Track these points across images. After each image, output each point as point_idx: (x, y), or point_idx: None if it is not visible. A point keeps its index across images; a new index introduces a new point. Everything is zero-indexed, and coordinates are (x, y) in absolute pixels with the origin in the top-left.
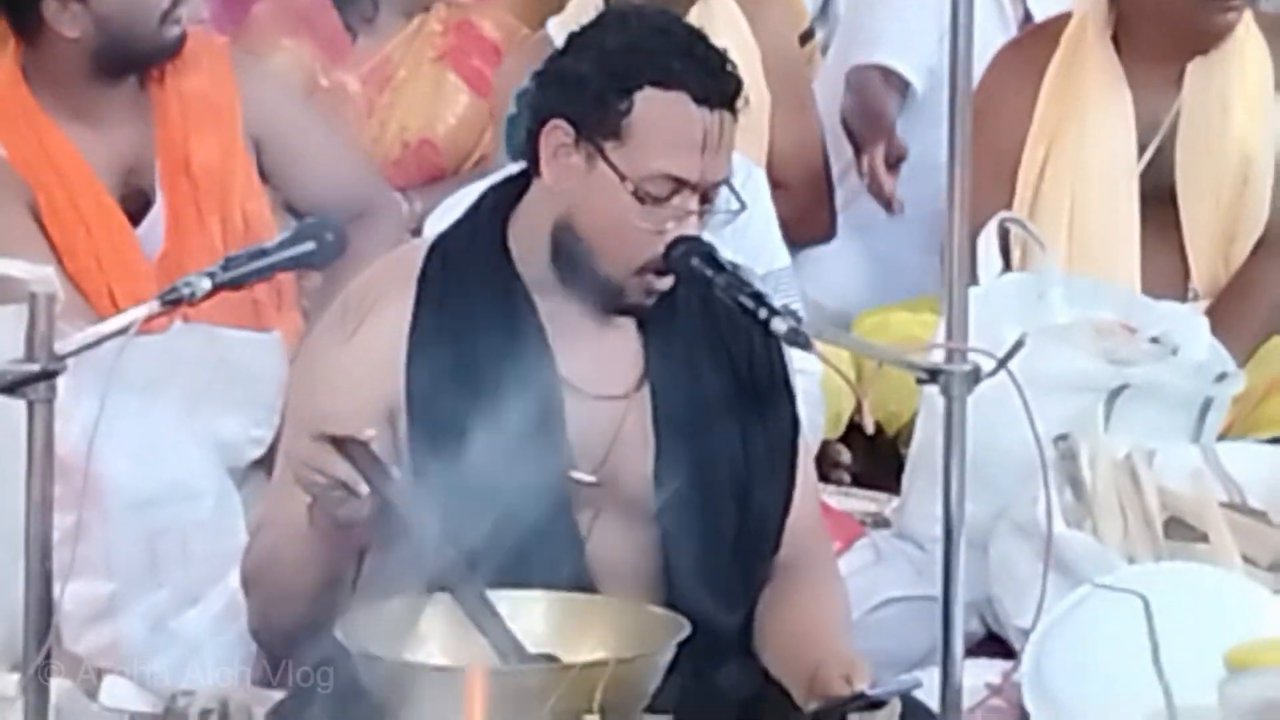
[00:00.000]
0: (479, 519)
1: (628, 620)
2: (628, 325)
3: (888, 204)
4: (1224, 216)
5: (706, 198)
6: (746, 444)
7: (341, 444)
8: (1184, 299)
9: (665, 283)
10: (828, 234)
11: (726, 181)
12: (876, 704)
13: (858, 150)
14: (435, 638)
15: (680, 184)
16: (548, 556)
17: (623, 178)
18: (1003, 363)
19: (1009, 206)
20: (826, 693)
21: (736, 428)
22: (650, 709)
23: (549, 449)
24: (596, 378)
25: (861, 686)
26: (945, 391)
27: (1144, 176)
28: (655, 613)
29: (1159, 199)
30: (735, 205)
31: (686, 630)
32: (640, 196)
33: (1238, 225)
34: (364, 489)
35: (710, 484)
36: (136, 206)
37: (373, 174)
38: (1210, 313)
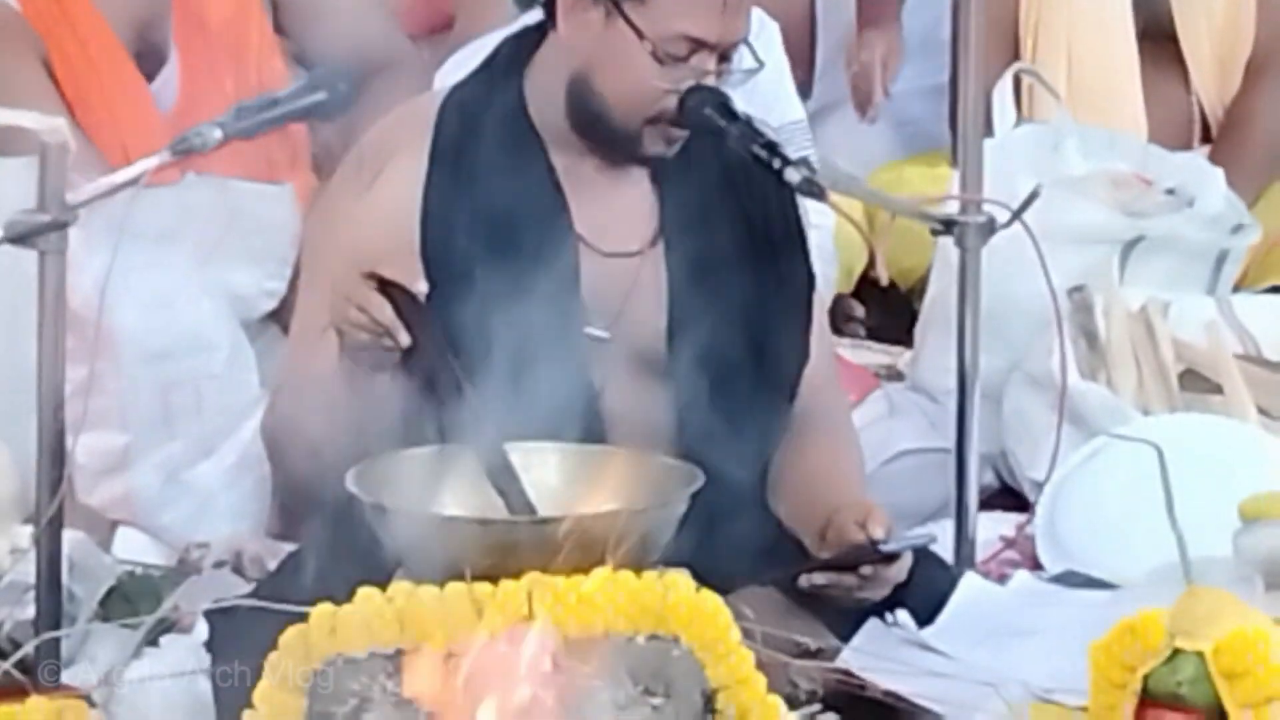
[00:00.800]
0: (492, 374)
1: (641, 471)
2: (642, 181)
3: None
4: (1219, 40)
5: (725, 57)
6: (761, 297)
7: (387, 288)
8: (1190, 144)
9: (681, 132)
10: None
11: (745, 40)
12: (890, 556)
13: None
14: (448, 490)
15: (699, 44)
16: (561, 412)
17: (641, 36)
18: (1017, 214)
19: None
20: (841, 541)
21: (751, 281)
22: (664, 562)
23: (563, 304)
24: (611, 233)
25: (878, 532)
26: (959, 243)
27: (1138, 11)
28: (669, 463)
29: (1156, 36)
30: (753, 64)
31: (700, 481)
32: (659, 56)
33: (1235, 46)
34: (404, 338)
35: (725, 339)
36: (152, 64)
37: (392, 25)
38: (1212, 153)
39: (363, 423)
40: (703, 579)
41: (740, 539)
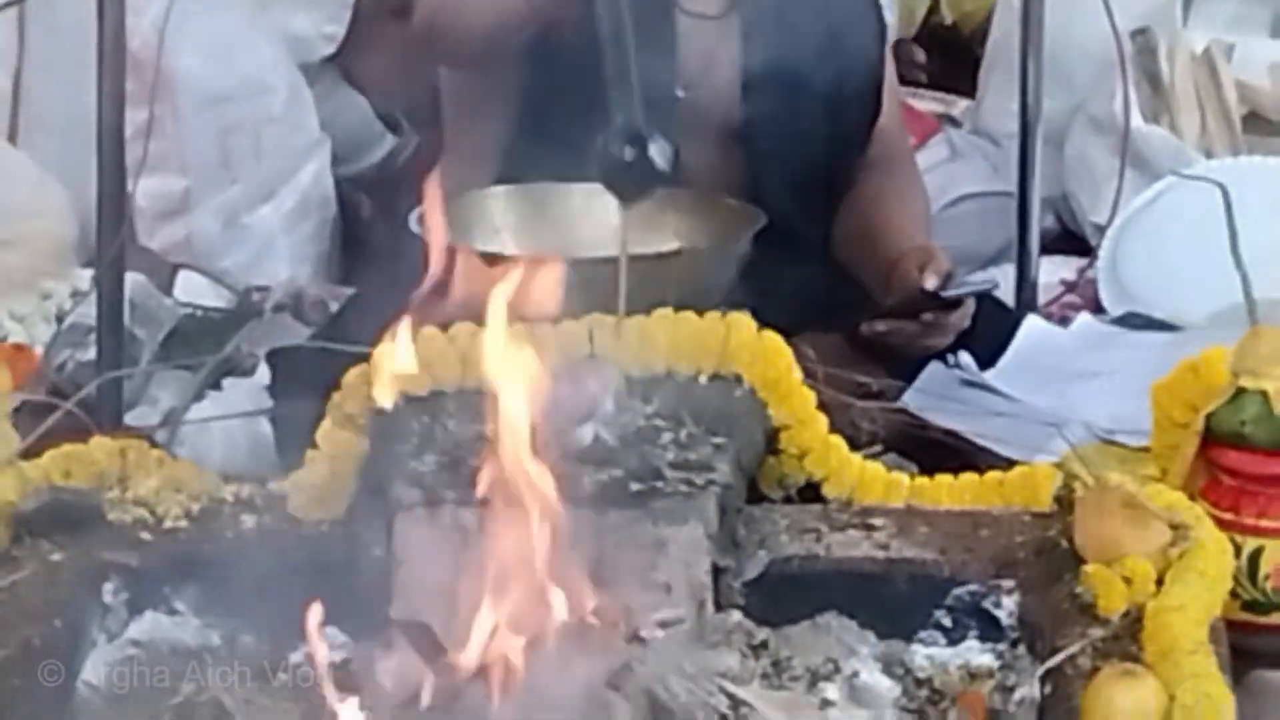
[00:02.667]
0: (577, 125)
1: (703, 212)
2: None
3: None
4: None
5: None
6: (835, 53)
7: None
8: None
9: None
10: None
11: None
12: (953, 303)
13: None
14: (508, 229)
15: None
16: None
17: None
18: None
19: None
20: (904, 287)
21: (825, 37)
22: (727, 306)
23: (653, 61)
24: None
25: (939, 276)
26: None
27: None
28: (731, 204)
29: None
30: None
31: (762, 221)
32: None
33: None
34: None
35: (799, 100)
36: None
37: None
38: None
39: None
40: (765, 324)
41: (804, 288)
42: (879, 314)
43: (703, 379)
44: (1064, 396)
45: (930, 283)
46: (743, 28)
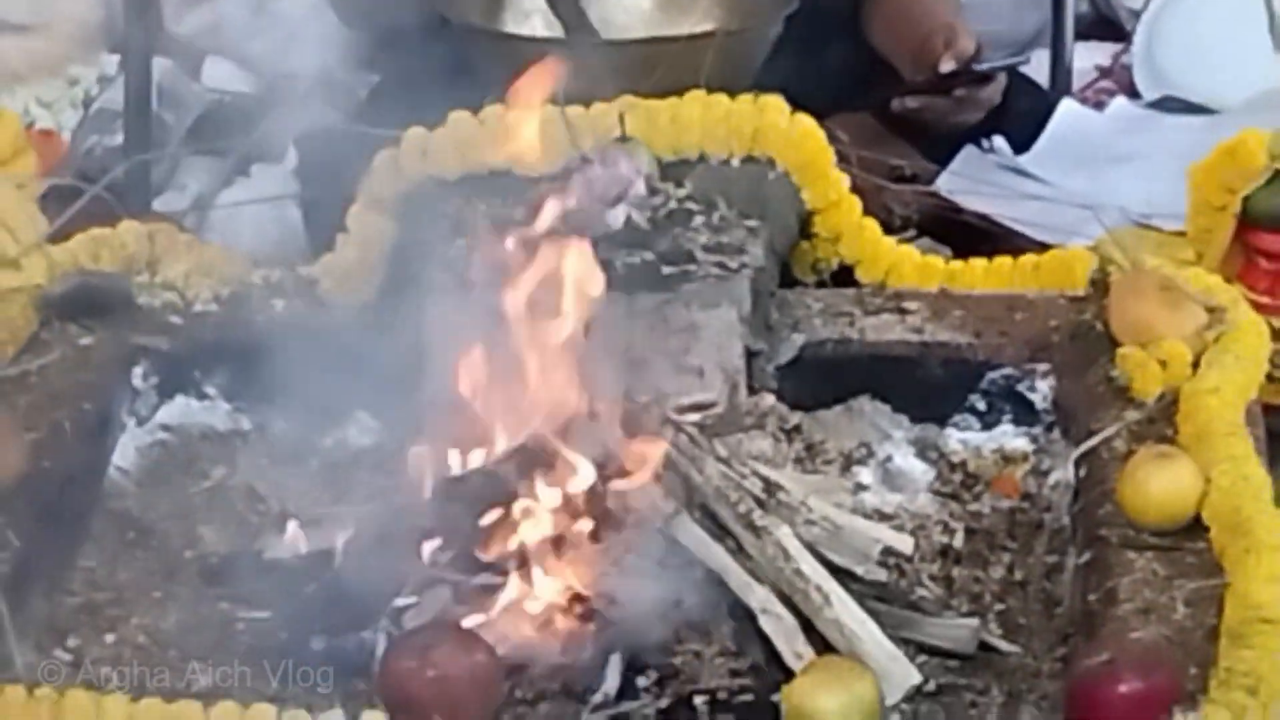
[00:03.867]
0: None
1: None
2: None
3: None
4: None
5: None
6: None
7: None
8: None
9: None
10: None
11: None
12: (984, 77)
13: None
14: (539, 12)
15: None
16: None
17: None
18: None
19: None
20: (932, 63)
21: None
22: (758, 88)
23: None
24: None
25: (959, 59)
26: None
27: None
28: None
29: None
30: None
31: (795, 3)
32: None
33: None
34: None
35: None
36: None
37: None
38: None
39: None
40: (797, 105)
41: (835, 67)
42: (910, 90)
43: (735, 162)
44: (1099, 180)
45: (946, 66)
46: None
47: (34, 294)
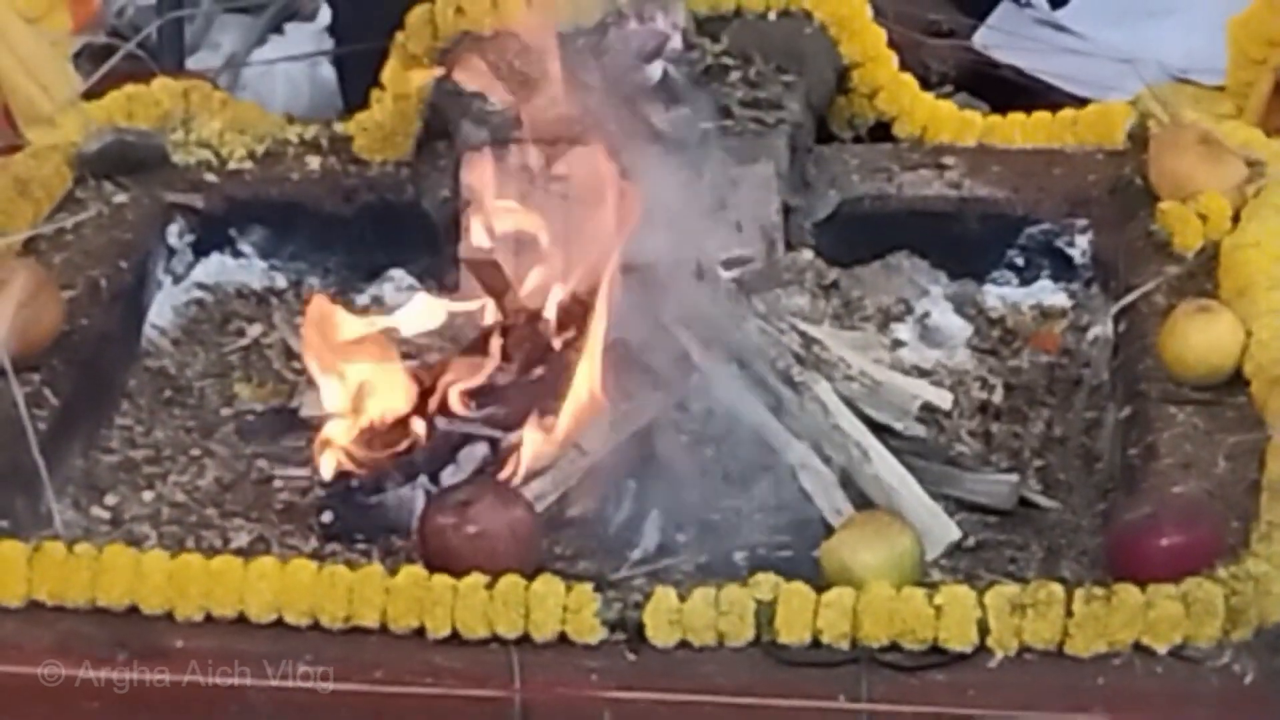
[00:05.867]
0: None
1: None
2: None
3: None
4: None
5: None
6: None
7: None
8: None
9: None
10: None
11: None
12: None
13: None
14: None
15: None
16: None
17: None
18: None
19: None
20: None
21: None
22: None
23: None
24: None
25: None
26: None
27: None
28: None
29: None
30: None
31: None
32: None
33: None
34: None
35: None
36: None
37: None
38: None
39: None
40: None
41: None
42: None
43: (771, 15)
44: (1137, 34)
45: None
46: None
47: (69, 151)
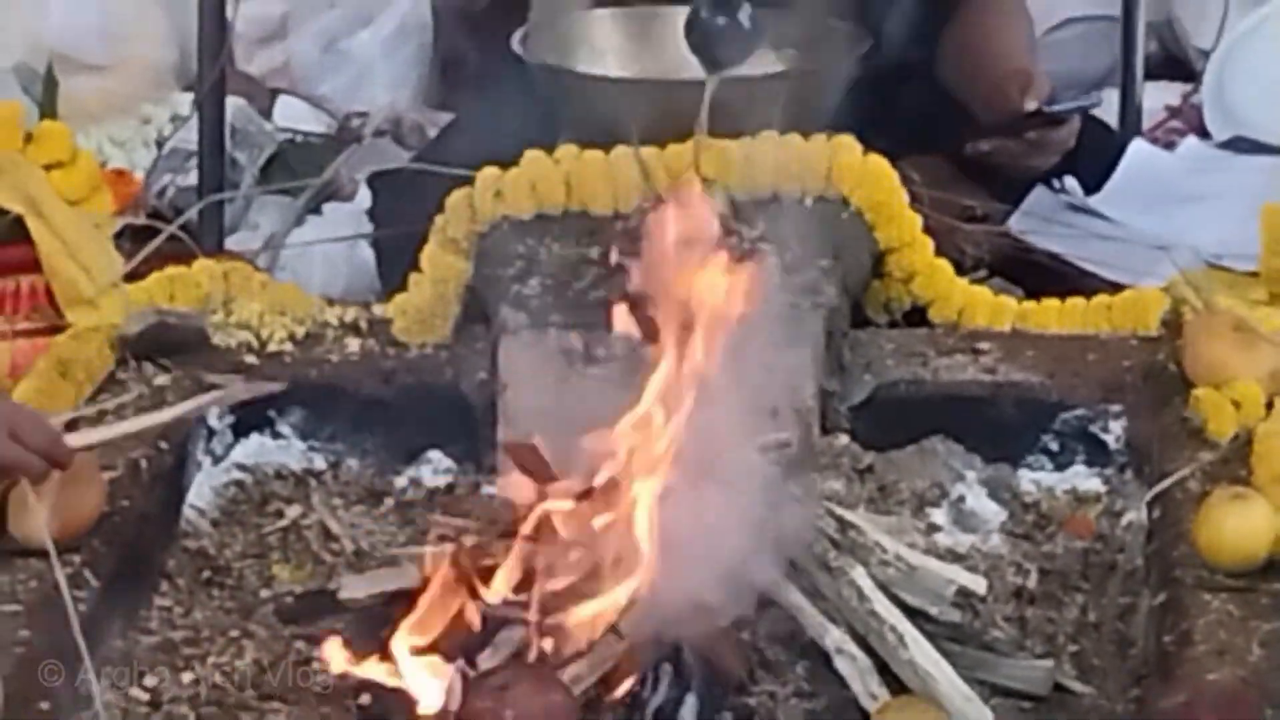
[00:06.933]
0: None
1: (811, 34)
2: None
3: None
4: None
5: None
6: None
7: None
8: None
9: None
10: None
11: None
12: (1056, 120)
13: None
14: (612, 51)
15: None
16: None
17: None
18: None
19: None
20: (1006, 107)
21: None
22: (831, 128)
23: None
24: None
25: (1038, 99)
26: None
27: None
28: (836, 26)
29: None
30: None
31: (868, 44)
32: None
33: None
34: None
35: None
36: None
37: None
38: None
39: None
40: (870, 146)
41: (908, 108)
42: (983, 133)
43: (808, 201)
44: (1171, 220)
45: (1029, 105)
46: None
47: (110, 333)
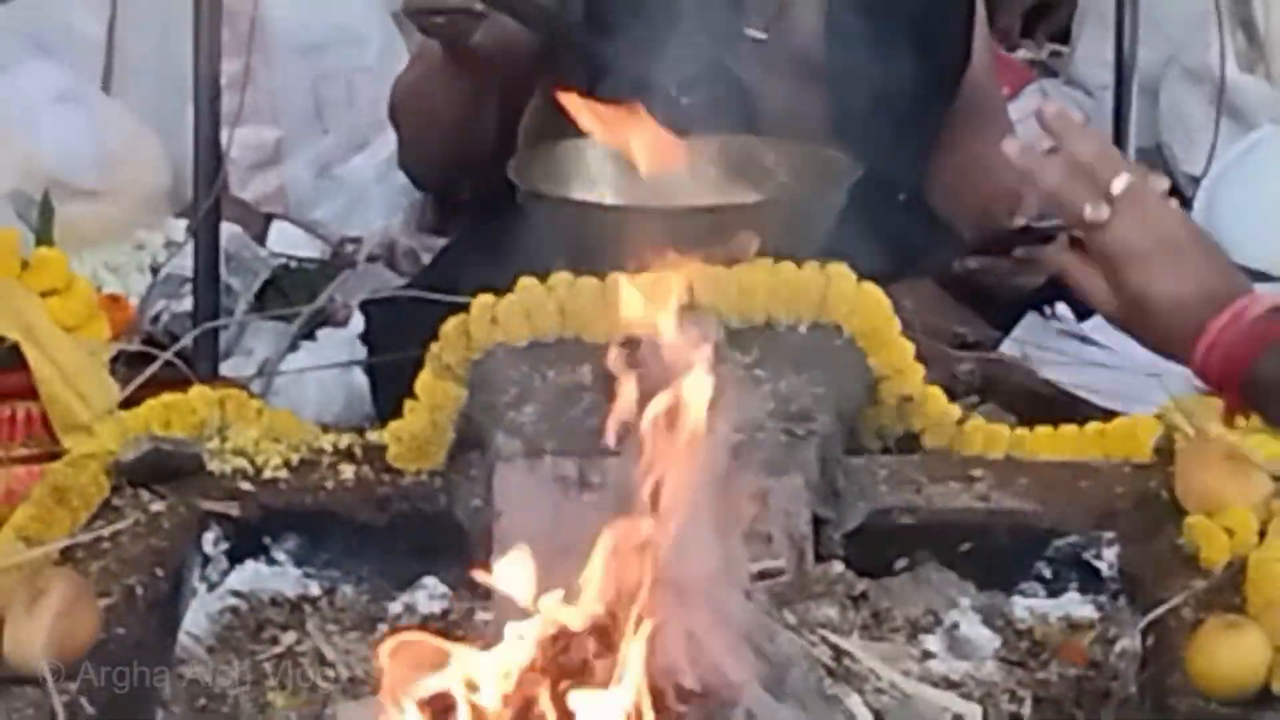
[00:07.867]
0: (648, 70)
1: (799, 163)
2: None
3: None
4: None
5: None
6: None
7: None
8: None
9: None
10: None
11: None
12: (1046, 237)
13: None
14: (605, 180)
15: None
16: (716, 113)
17: None
18: None
19: None
20: (994, 226)
21: None
22: (822, 255)
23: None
24: None
25: (1027, 216)
26: None
27: None
28: (827, 155)
29: None
30: None
31: (859, 173)
32: None
33: None
34: (478, 5)
35: (885, 41)
36: None
37: None
38: None
39: (475, 107)
40: (860, 271)
41: (898, 235)
42: (972, 251)
43: (802, 329)
44: None
45: (1018, 222)
46: None
47: (106, 460)
